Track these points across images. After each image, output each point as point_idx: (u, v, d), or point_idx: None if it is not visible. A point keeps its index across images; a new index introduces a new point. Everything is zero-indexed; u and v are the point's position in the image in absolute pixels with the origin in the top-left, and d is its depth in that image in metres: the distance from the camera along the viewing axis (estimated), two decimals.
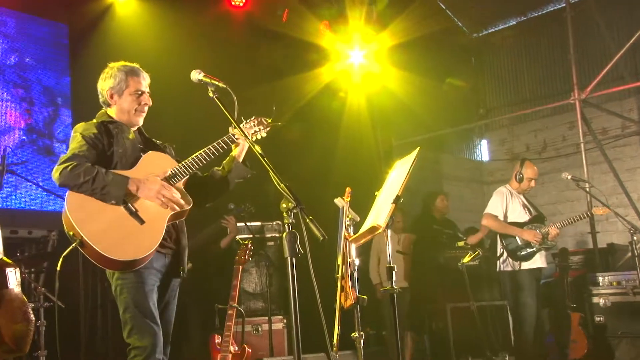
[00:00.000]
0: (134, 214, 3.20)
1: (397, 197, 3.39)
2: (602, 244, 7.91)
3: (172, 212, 3.29)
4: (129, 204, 3.21)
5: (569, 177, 6.44)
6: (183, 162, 3.40)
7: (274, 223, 6.69)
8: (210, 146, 3.42)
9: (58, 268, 3.20)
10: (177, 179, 3.38)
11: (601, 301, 6.62)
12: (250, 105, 3.46)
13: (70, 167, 3.15)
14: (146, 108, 3.52)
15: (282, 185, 2.79)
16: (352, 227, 3.87)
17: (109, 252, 3.09)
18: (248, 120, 3.54)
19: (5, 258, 3.47)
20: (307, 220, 2.72)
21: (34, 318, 3.52)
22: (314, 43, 8.15)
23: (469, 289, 6.31)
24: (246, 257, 5.50)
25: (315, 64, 8.25)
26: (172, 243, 3.43)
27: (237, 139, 3.50)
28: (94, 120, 3.49)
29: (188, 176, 3.42)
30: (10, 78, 6.53)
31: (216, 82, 3.14)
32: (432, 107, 9.54)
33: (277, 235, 6.63)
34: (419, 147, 3.63)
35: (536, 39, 10.58)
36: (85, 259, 5.86)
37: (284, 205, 2.79)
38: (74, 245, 3.11)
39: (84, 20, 6.98)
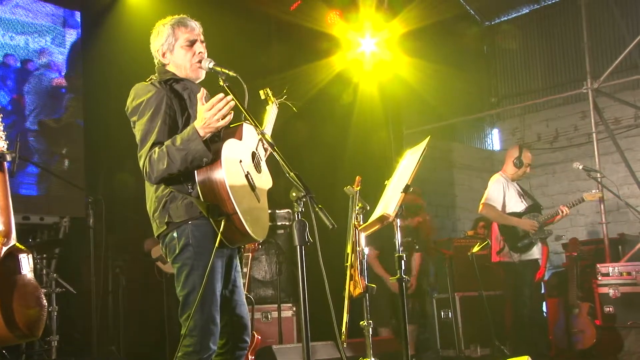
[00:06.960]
0: (254, 190, 3.06)
1: (407, 186, 3.40)
2: (613, 234, 7.87)
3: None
4: (250, 179, 3.04)
5: (581, 167, 6.42)
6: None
7: (284, 211, 6.71)
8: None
9: (220, 230, 2.86)
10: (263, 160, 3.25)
11: (610, 291, 6.60)
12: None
13: (150, 158, 2.89)
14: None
15: (291, 173, 2.76)
16: (361, 216, 3.88)
17: (254, 232, 2.92)
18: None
19: (18, 244, 3.50)
20: (317, 208, 2.69)
21: (46, 303, 3.56)
22: (325, 32, 8.12)
23: (479, 278, 6.31)
24: (256, 245, 5.53)
25: (326, 52, 8.22)
26: None
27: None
28: (155, 78, 3.16)
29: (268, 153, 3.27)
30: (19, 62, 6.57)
31: (227, 71, 3.06)
32: (444, 96, 9.51)
33: (286, 223, 6.65)
34: (429, 136, 3.63)
35: (549, 27, 10.49)
36: (97, 245, 5.95)
37: (293, 194, 2.75)
38: (220, 219, 2.84)
39: (97, 7, 7.00)
